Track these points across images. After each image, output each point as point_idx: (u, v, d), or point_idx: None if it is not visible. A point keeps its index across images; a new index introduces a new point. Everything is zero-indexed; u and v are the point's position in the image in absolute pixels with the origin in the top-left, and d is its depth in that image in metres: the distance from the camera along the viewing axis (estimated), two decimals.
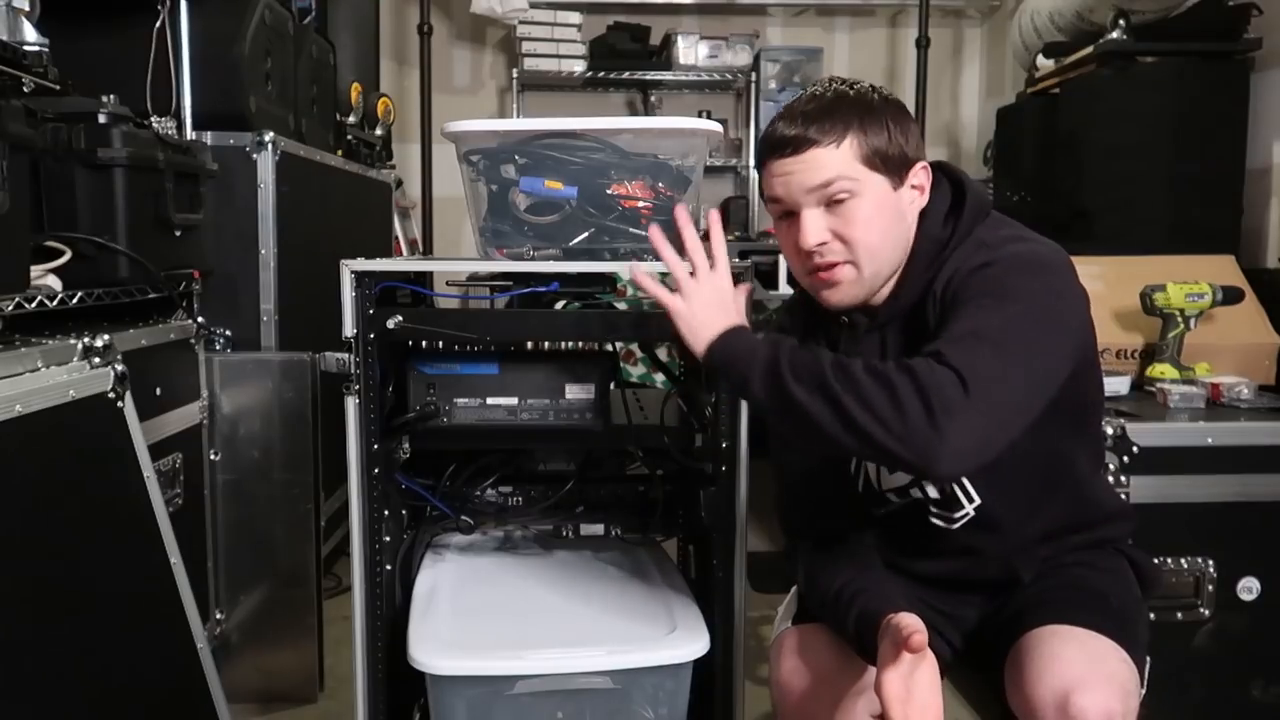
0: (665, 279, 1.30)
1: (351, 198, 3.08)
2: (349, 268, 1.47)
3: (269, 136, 2.29)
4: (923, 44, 4.07)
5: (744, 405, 1.52)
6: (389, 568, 1.63)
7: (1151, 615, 1.43)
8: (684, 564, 1.94)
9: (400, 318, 1.50)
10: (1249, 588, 1.87)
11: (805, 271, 1.29)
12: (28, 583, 1.30)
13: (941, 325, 1.19)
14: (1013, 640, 1.23)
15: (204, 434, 2.11)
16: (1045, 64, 3.24)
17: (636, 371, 3.40)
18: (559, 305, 1.57)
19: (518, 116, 4.57)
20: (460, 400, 1.61)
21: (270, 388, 2.16)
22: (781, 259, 3.51)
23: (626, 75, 4.68)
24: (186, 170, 2.05)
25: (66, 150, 1.73)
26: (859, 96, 1.25)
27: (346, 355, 1.48)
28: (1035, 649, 1.19)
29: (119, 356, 1.60)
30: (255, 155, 2.29)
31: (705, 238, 1.30)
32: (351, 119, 3.23)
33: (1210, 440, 1.85)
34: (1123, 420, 1.85)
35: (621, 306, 1.62)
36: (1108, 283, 2.30)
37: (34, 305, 1.59)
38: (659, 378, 2.30)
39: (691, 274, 1.27)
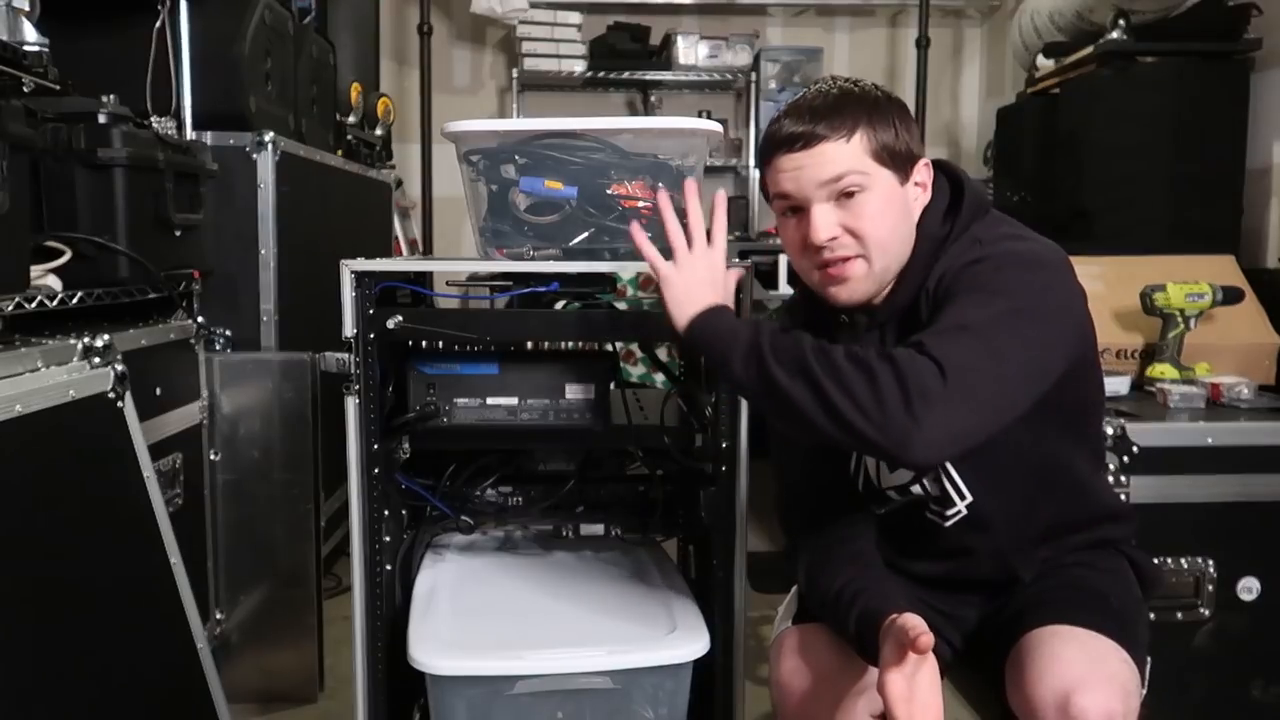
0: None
1: (351, 198, 3.08)
2: (349, 268, 1.47)
3: (269, 136, 2.29)
4: (923, 44, 4.07)
5: (744, 406, 1.52)
6: (389, 568, 1.62)
7: (1152, 615, 1.43)
8: (684, 564, 1.93)
9: (400, 318, 1.50)
10: (1249, 588, 1.87)
11: (813, 268, 1.29)
12: (28, 583, 1.30)
13: (932, 320, 1.19)
14: (1013, 640, 1.23)
15: (204, 434, 2.11)
16: (1045, 64, 3.24)
17: (636, 371, 3.40)
18: (559, 305, 1.57)
19: (518, 116, 4.57)
20: (460, 400, 1.61)
21: (270, 388, 2.16)
22: (782, 259, 3.51)
23: (626, 75, 4.68)
24: (186, 170, 2.05)
25: (66, 150, 1.73)
26: (864, 93, 1.26)
27: (346, 355, 1.48)
28: (1036, 649, 1.19)
29: (119, 356, 1.60)
30: (255, 155, 2.29)
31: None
32: (351, 119, 3.23)
33: (1210, 440, 1.85)
34: (1123, 420, 1.85)
35: (621, 306, 1.61)
36: (1108, 283, 2.30)
37: (34, 305, 1.59)
38: (659, 378, 2.30)
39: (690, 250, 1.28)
